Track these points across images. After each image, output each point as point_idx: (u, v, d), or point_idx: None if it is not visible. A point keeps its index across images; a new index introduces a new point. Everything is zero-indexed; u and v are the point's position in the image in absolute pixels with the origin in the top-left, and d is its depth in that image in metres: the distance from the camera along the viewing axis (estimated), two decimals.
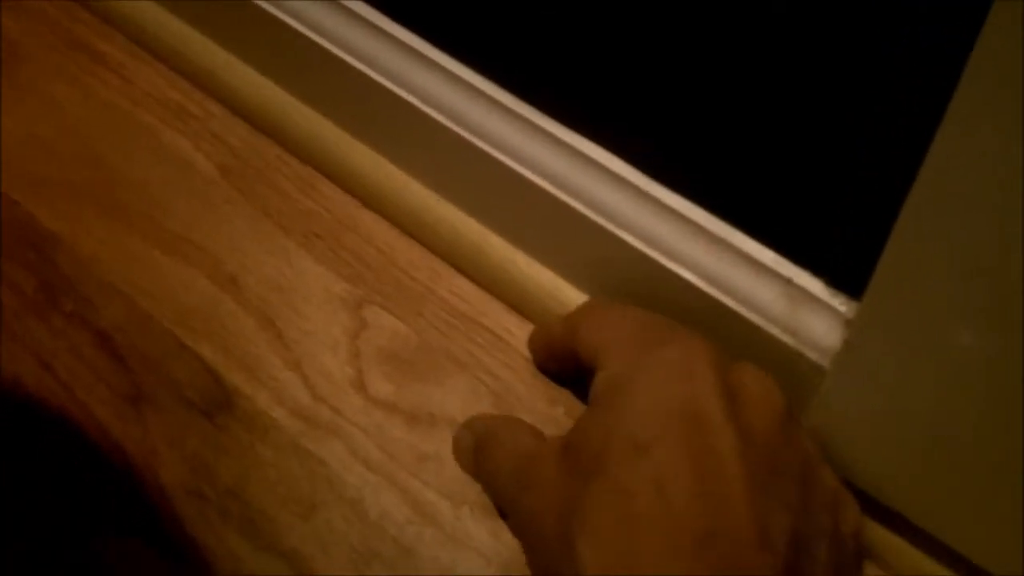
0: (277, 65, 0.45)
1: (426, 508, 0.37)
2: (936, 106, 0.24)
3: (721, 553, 0.25)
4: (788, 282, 0.34)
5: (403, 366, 0.40)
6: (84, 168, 0.46)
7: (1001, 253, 0.25)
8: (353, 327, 0.41)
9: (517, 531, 0.33)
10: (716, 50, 0.35)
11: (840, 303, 0.33)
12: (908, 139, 0.26)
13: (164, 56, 0.49)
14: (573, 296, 0.39)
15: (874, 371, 0.30)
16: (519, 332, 0.40)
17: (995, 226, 0.25)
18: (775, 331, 0.34)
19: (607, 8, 0.36)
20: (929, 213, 0.26)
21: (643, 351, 0.30)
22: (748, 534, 0.26)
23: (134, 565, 0.37)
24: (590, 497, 0.27)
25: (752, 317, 0.34)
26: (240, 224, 0.44)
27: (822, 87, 0.34)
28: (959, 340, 0.27)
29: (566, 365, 0.37)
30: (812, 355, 0.33)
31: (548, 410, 0.39)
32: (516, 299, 0.41)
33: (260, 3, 0.43)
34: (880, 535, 0.34)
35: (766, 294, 0.34)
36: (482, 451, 0.35)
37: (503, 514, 0.36)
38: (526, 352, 0.40)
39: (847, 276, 0.33)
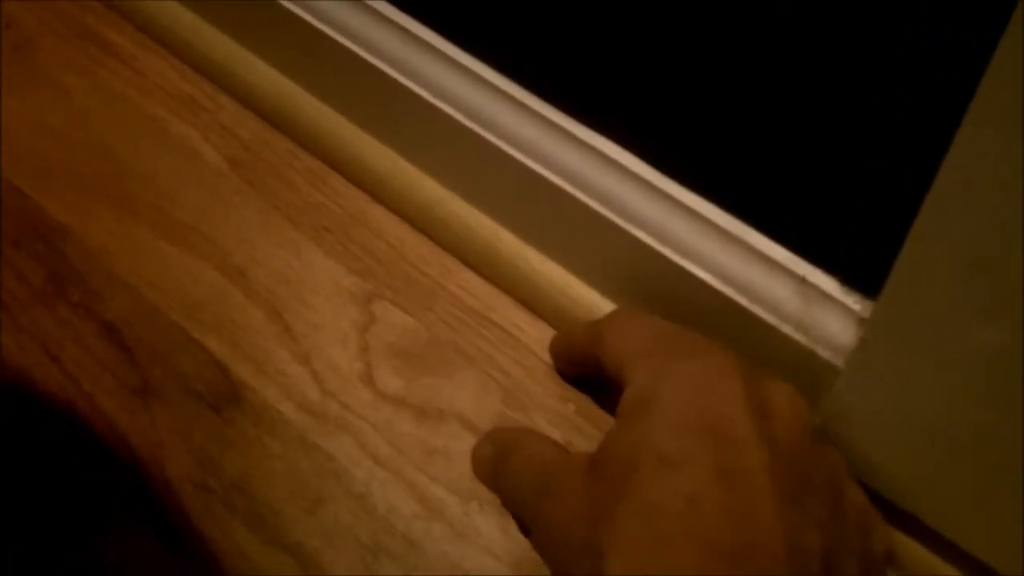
0: (288, 58, 0.45)
1: (434, 503, 0.37)
2: (953, 105, 0.24)
3: (756, 568, 0.25)
4: (802, 280, 0.34)
5: (412, 361, 0.40)
6: (94, 159, 0.46)
7: (1019, 254, 0.25)
8: (362, 321, 0.41)
9: (540, 542, 0.32)
10: (733, 48, 0.35)
11: (854, 301, 0.33)
12: (924, 137, 0.26)
13: (175, 48, 0.48)
14: (584, 293, 0.39)
15: (889, 370, 0.30)
16: (529, 328, 0.40)
17: (1013, 227, 0.24)
18: (788, 329, 0.33)
19: (626, 6, 0.36)
20: (947, 213, 0.26)
21: (671, 364, 0.30)
22: (780, 550, 0.26)
23: (140, 557, 0.36)
24: (620, 511, 0.27)
25: (765, 315, 0.34)
26: (249, 217, 0.44)
27: (838, 85, 0.33)
28: (975, 339, 0.27)
29: (587, 372, 0.36)
30: (825, 354, 0.33)
31: (559, 407, 0.38)
32: (526, 295, 0.40)
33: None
34: (892, 535, 0.34)
35: (780, 292, 0.34)
36: (503, 460, 0.34)
37: (524, 528, 0.35)
38: (536, 348, 0.40)
39: (861, 274, 0.33)
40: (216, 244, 0.43)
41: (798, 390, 0.31)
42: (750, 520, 0.26)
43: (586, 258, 0.39)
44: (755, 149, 0.36)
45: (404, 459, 0.37)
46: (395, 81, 0.40)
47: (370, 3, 0.41)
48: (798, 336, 0.33)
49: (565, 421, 0.38)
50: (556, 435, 0.38)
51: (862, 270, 0.32)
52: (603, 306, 0.39)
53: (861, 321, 0.33)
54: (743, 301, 0.34)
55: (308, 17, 0.42)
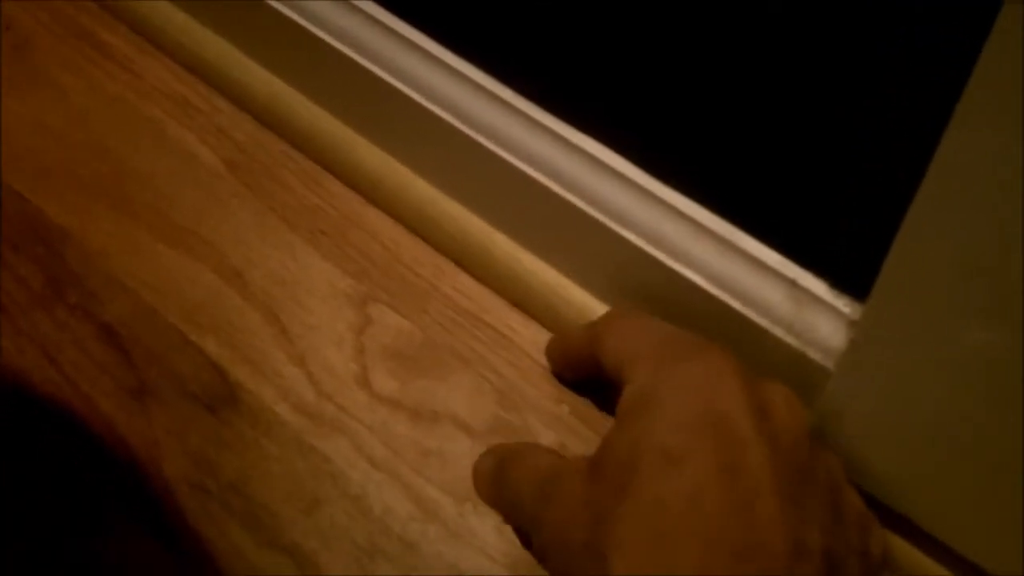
0: (282, 61, 0.46)
1: (429, 504, 0.37)
2: (940, 107, 0.24)
3: (758, 566, 0.25)
4: (793, 283, 0.34)
5: (407, 363, 0.40)
6: (91, 161, 0.46)
7: (1008, 253, 0.25)
8: (358, 323, 0.41)
9: (541, 549, 0.32)
10: (723, 53, 0.35)
11: (844, 304, 0.33)
12: (911, 141, 0.26)
13: (171, 50, 0.49)
14: (577, 295, 0.39)
15: (879, 372, 0.30)
16: (523, 330, 0.40)
17: (1000, 227, 0.25)
18: (780, 332, 0.34)
19: (615, 10, 0.36)
20: (935, 215, 0.26)
21: (670, 364, 0.30)
22: (782, 547, 0.26)
23: (138, 557, 0.37)
24: (622, 511, 0.27)
25: (757, 318, 0.34)
26: (246, 219, 0.44)
27: (826, 90, 0.34)
28: (965, 341, 0.27)
29: (585, 374, 0.36)
30: (816, 356, 0.33)
31: (553, 408, 0.39)
32: (520, 297, 0.41)
33: (269, 1, 0.43)
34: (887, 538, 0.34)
35: (771, 295, 0.34)
36: (504, 471, 0.34)
37: (525, 541, 0.35)
38: (530, 350, 0.40)
39: (851, 278, 0.33)
40: (213, 246, 0.43)
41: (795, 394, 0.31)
42: (752, 517, 0.26)
43: (579, 260, 0.39)
44: (746, 153, 0.36)
45: (399, 460, 0.38)
46: (388, 84, 0.40)
47: (363, 7, 0.41)
48: (789, 339, 0.34)
49: (559, 422, 0.38)
50: (550, 436, 0.38)
51: (852, 273, 0.32)
52: (596, 308, 0.39)
53: (851, 324, 0.33)
54: (735, 304, 0.34)
55: (302, 20, 0.42)
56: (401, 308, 0.41)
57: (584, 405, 0.39)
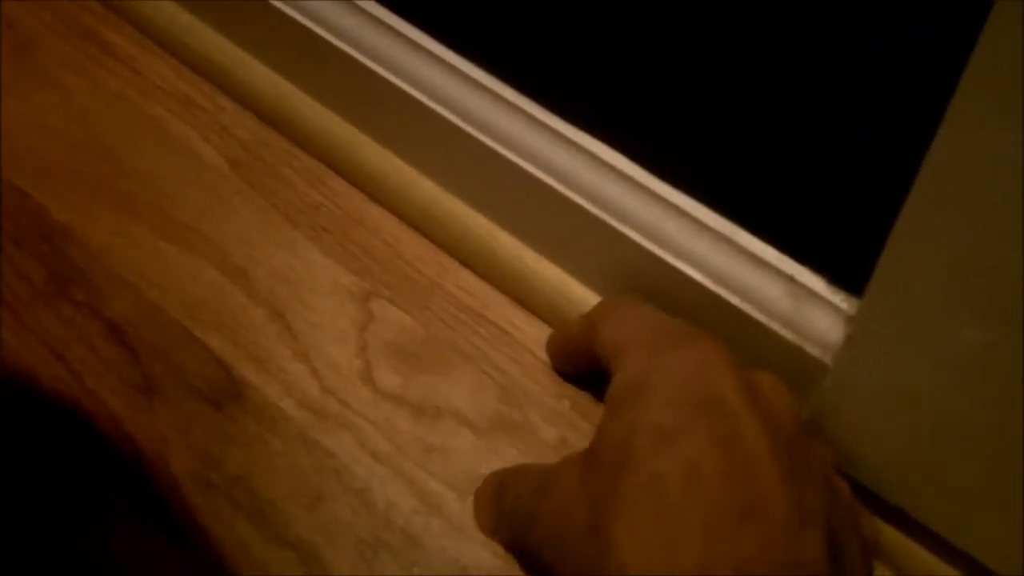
0: (286, 60, 0.46)
1: (432, 499, 0.37)
2: (935, 106, 0.25)
3: (764, 529, 0.25)
4: (791, 279, 0.34)
5: (410, 359, 0.40)
6: (94, 159, 0.46)
7: (1000, 249, 0.25)
8: (361, 319, 0.41)
9: (540, 544, 0.31)
10: (722, 52, 0.35)
11: (841, 300, 0.34)
12: (907, 139, 0.26)
13: (174, 49, 0.49)
14: (579, 292, 0.40)
15: (875, 366, 0.31)
16: (525, 326, 0.41)
17: (994, 222, 0.25)
18: (778, 327, 0.34)
19: (615, 9, 0.37)
20: (928, 211, 0.26)
21: (663, 352, 0.31)
22: (787, 513, 0.26)
23: (144, 551, 0.37)
24: (622, 488, 0.27)
25: (755, 313, 0.34)
26: (249, 216, 0.44)
27: (824, 89, 0.34)
28: (960, 336, 0.28)
29: (585, 367, 0.37)
30: (814, 351, 0.34)
31: (554, 404, 0.39)
32: (522, 294, 0.41)
33: (272, 1, 0.43)
34: (883, 531, 0.35)
35: (769, 291, 0.34)
36: (504, 486, 0.35)
37: (525, 565, 0.35)
38: (532, 346, 0.40)
39: (848, 273, 0.34)
40: (216, 244, 0.44)
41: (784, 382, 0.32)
42: (753, 479, 0.26)
43: (581, 258, 0.39)
44: (745, 152, 0.37)
45: (403, 456, 0.38)
46: (392, 84, 0.40)
47: (365, 6, 0.41)
48: (787, 334, 0.34)
49: (561, 417, 0.39)
50: (552, 431, 0.39)
51: (850, 269, 0.33)
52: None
53: (848, 319, 0.33)
54: (734, 300, 0.35)
55: (304, 20, 0.42)
56: (404, 305, 0.42)
57: (585, 400, 0.39)
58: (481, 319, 0.41)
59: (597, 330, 0.34)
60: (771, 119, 0.36)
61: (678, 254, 0.36)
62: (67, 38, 0.50)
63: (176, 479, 0.38)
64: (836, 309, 0.34)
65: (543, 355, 0.40)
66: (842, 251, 0.34)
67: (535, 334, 0.41)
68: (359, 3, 0.42)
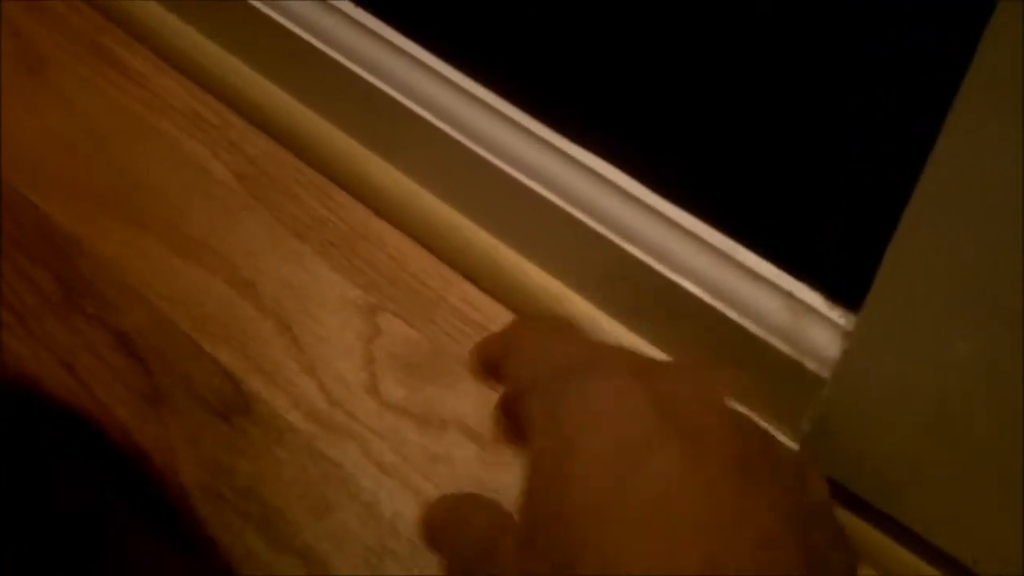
0: (295, 78, 0.47)
1: None
2: (933, 127, 0.26)
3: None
4: (789, 295, 0.35)
5: (415, 371, 0.41)
6: (105, 174, 0.47)
7: (995, 267, 0.26)
8: (367, 333, 0.42)
9: None
10: (722, 71, 0.36)
11: (839, 315, 0.35)
12: (904, 159, 0.27)
13: (184, 67, 0.50)
14: (581, 306, 0.41)
15: (871, 381, 0.32)
16: None
17: (989, 240, 0.26)
18: (776, 342, 0.35)
19: (618, 29, 0.38)
20: (924, 228, 0.27)
21: (573, 397, 0.27)
22: (745, 547, 0.23)
23: (154, 561, 0.38)
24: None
25: (754, 328, 0.35)
26: (256, 230, 0.45)
27: (824, 112, 0.35)
28: (954, 351, 0.29)
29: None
30: (812, 365, 0.34)
31: None
32: (526, 308, 0.42)
33: (279, 19, 0.44)
34: (875, 537, 0.35)
35: (768, 306, 0.35)
36: (447, 527, 0.31)
37: None
38: None
39: (846, 289, 0.34)
40: (225, 257, 0.44)
41: (778, 393, 0.32)
42: (714, 530, 0.23)
43: (583, 272, 0.40)
44: (745, 170, 0.38)
45: (408, 466, 0.39)
46: (397, 102, 0.41)
47: (375, 29, 0.42)
48: (786, 348, 0.35)
49: None
50: None
51: (847, 285, 0.34)
52: (598, 318, 0.41)
53: (845, 334, 0.34)
54: (733, 315, 0.35)
55: (314, 40, 0.43)
56: (409, 318, 0.42)
57: None
58: (485, 332, 0.42)
59: (506, 362, 0.30)
60: (771, 138, 0.37)
61: (678, 269, 0.36)
62: (80, 56, 0.51)
63: (186, 490, 0.39)
64: (834, 324, 0.34)
65: None
66: (840, 267, 0.34)
67: None
68: (367, 24, 0.42)
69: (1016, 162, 0.24)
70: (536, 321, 0.35)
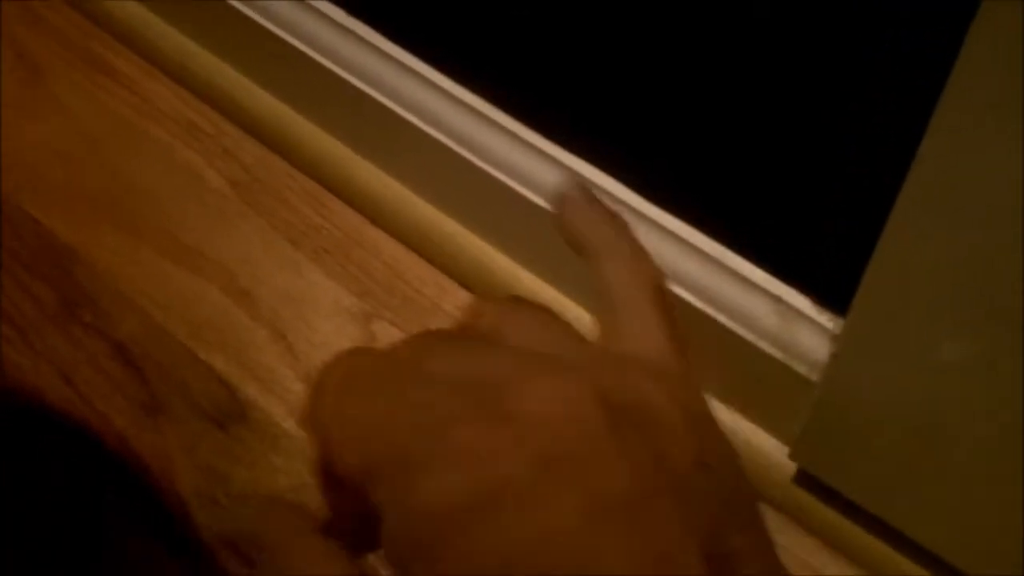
0: (289, 87, 0.47)
1: None
2: (920, 134, 0.26)
3: None
4: (778, 300, 0.36)
5: None
6: (100, 182, 0.47)
7: (979, 270, 0.27)
8: (362, 340, 0.42)
9: None
10: (712, 79, 0.36)
11: (827, 319, 0.35)
12: (891, 167, 0.27)
13: (177, 75, 0.50)
14: (576, 313, 0.41)
15: (860, 384, 0.32)
16: None
17: (973, 244, 0.26)
18: (765, 346, 0.35)
19: (609, 36, 0.38)
20: (909, 232, 0.27)
21: (419, 493, 0.20)
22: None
23: (152, 567, 0.38)
24: None
25: (744, 333, 0.35)
26: (251, 238, 0.45)
27: (814, 120, 0.35)
28: (940, 353, 0.29)
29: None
30: (801, 369, 0.35)
31: None
32: None
33: (273, 28, 0.44)
34: (864, 539, 0.36)
35: (757, 311, 0.36)
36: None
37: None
38: None
39: (835, 294, 0.35)
40: (220, 265, 0.45)
41: (766, 395, 0.32)
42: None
43: (576, 279, 0.41)
44: (734, 176, 0.38)
45: None
46: (391, 110, 0.42)
47: (368, 38, 0.43)
48: (775, 352, 0.35)
49: None
50: None
51: (835, 290, 0.34)
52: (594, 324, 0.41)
53: (834, 338, 0.34)
54: (723, 319, 0.36)
55: (307, 49, 0.44)
56: (404, 325, 0.43)
57: None
58: None
59: (330, 450, 0.21)
60: (761, 145, 0.37)
61: (669, 274, 0.37)
62: (75, 65, 0.51)
63: (182, 496, 0.39)
64: (822, 328, 0.35)
65: None
66: (828, 272, 0.35)
67: None
68: (361, 33, 0.43)
69: (999, 166, 0.24)
70: (337, 386, 0.22)
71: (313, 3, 0.44)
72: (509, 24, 0.41)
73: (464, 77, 0.41)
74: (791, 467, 0.37)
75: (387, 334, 0.43)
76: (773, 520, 0.37)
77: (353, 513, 0.22)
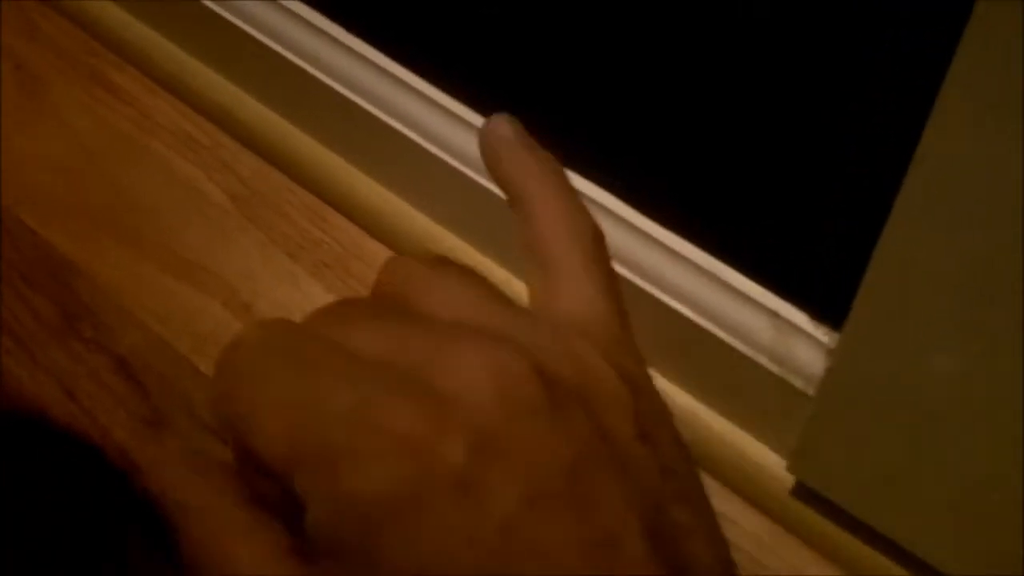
0: (287, 100, 0.47)
1: None
2: (912, 151, 0.26)
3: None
4: (774, 314, 0.36)
5: None
6: (100, 196, 0.48)
7: (971, 285, 0.27)
8: None
9: None
10: (709, 95, 0.37)
11: (823, 334, 0.35)
12: (885, 181, 0.28)
13: (176, 90, 0.50)
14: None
15: (856, 397, 0.32)
16: None
17: (965, 260, 0.27)
18: (762, 360, 0.36)
19: (607, 53, 0.38)
20: (902, 249, 0.28)
21: (351, 489, 0.18)
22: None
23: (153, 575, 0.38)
24: None
25: (741, 347, 0.36)
26: (251, 251, 0.46)
27: (807, 135, 0.35)
28: (932, 367, 0.29)
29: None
30: (798, 382, 0.35)
31: None
32: None
33: (271, 44, 0.45)
34: (858, 549, 0.36)
35: (754, 325, 0.36)
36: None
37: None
38: None
39: (831, 308, 0.35)
40: (220, 278, 0.45)
41: (759, 407, 0.33)
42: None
43: None
44: (730, 193, 0.38)
45: None
46: (389, 126, 0.42)
47: (366, 55, 0.43)
48: (772, 366, 0.36)
49: None
50: None
51: (831, 304, 0.34)
52: None
53: (829, 352, 0.35)
54: (720, 333, 0.36)
55: (304, 64, 0.44)
56: None
57: None
58: None
59: (245, 436, 0.19)
60: (757, 160, 0.37)
61: (665, 289, 0.37)
62: (74, 80, 0.51)
63: None
64: (818, 343, 0.35)
65: None
66: (824, 286, 0.35)
67: None
68: (359, 49, 0.43)
69: (992, 183, 0.25)
70: (245, 366, 0.20)
71: (311, 20, 0.44)
72: (506, 39, 0.41)
73: (463, 94, 0.42)
74: (789, 480, 0.37)
75: None
76: (771, 532, 0.38)
77: (276, 502, 0.20)
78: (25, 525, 0.39)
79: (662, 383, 0.38)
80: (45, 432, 0.41)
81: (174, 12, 0.49)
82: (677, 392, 0.39)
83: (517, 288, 0.42)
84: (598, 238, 0.24)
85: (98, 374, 0.42)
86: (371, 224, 0.46)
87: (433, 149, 0.41)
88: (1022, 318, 0.26)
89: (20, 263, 0.46)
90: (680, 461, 0.21)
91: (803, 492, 0.37)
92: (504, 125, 0.25)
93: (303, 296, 0.44)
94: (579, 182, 0.39)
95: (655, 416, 0.21)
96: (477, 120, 0.41)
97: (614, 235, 0.38)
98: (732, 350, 0.36)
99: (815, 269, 0.36)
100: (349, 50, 0.44)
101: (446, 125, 0.42)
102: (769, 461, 0.38)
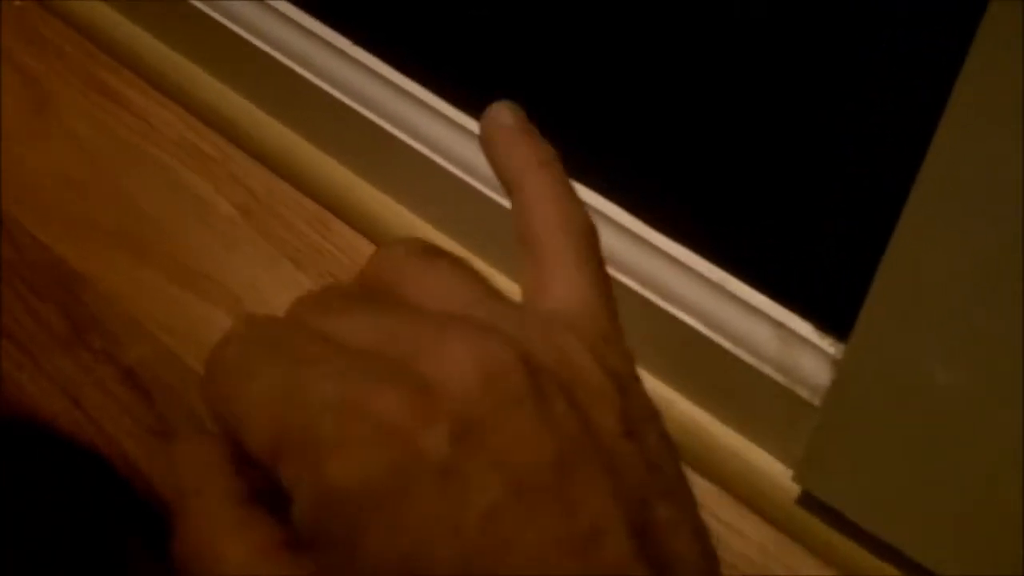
0: (293, 112, 0.48)
1: None
2: (918, 163, 0.26)
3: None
4: (780, 325, 0.36)
5: None
6: (109, 209, 0.48)
7: (979, 296, 0.27)
8: None
9: None
10: (713, 104, 0.37)
11: (829, 345, 0.36)
12: (893, 192, 0.28)
13: (182, 101, 0.51)
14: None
15: (861, 408, 0.33)
16: None
17: (974, 271, 0.27)
18: (768, 370, 0.36)
19: (609, 67, 0.39)
20: (909, 261, 0.28)
21: (326, 477, 0.18)
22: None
23: None
24: None
25: (747, 357, 0.36)
26: (258, 262, 0.46)
27: (813, 145, 0.36)
28: (939, 378, 0.30)
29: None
30: (803, 393, 0.35)
31: None
32: None
33: (279, 56, 0.45)
34: (863, 558, 0.36)
35: (760, 336, 0.36)
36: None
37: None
38: None
39: (836, 320, 0.35)
40: (228, 289, 0.45)
41: (771, 420, 0.33)
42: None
43: None
44: (737, 202, 0.38)
45: None
46: (395, 137, 0.42)
47: (372, 66, 0.43)
48: (778, 377, 0.36)
49: None
50: None
51: (837, 316, 0.35)
52: None
53: (835, 363, 0.35)
54: (726, 344, 0.36)
55: (310, 75, 0.44)
56: None
57: None
58: None
59: (233, 426, 0.19)
60: (763, 171, 0.38)
61: (672, 300, 0.37)
62: (84, 93, 0.52)
63: None
64: (824, 353, 0.35)
65: None
66: (830, 298, 0.35)
67: None
68: (365, 61, 0.44)
69: (1002, 193, 0.25)
70: (228, 361, 0.20)
71: (318, 32, 0.45)
72: (509, 50, 0.41)
73: (467, 105, 0.42)
74: (795, 489, 0.37)
75: None
76: (776, 542, 0.38)
77: (269, 495, 0.20)
78: (29, 535, 0.39)
79: (667, 392, 0.39)
80: (52, 442, 0.41)
81: (181, 23, 0.50)
82: (682, 401, 0.39)
83: (517, 290, 0.43)
84: (591, 233, 0.23)
85: (105, 384, 0.43)
86: (377, 234, 0.46)
87: (440, 161, 0.42)
88: None
89: (27, 274, 0.46)
90: (666, 458, 0.20)
91: (809, 501, 0.37)
92: (504, 112, 0.25)
93: None
94: (582, 191, 0.39)
95: (641, 412, 0.20)
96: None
97: (620, 246, 0.38)
98: (738, 361, 0.36)
99: (821, 280, 0.36)
100: (356, 62, 0.44)
101: (453, 137, 0.42)
102: (775, 471, 0.38)
